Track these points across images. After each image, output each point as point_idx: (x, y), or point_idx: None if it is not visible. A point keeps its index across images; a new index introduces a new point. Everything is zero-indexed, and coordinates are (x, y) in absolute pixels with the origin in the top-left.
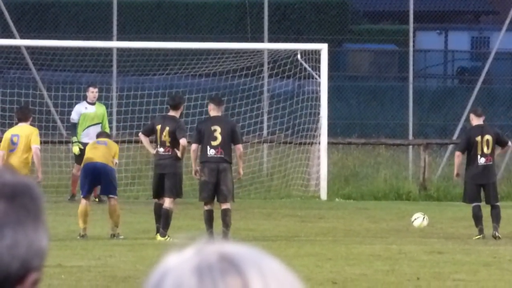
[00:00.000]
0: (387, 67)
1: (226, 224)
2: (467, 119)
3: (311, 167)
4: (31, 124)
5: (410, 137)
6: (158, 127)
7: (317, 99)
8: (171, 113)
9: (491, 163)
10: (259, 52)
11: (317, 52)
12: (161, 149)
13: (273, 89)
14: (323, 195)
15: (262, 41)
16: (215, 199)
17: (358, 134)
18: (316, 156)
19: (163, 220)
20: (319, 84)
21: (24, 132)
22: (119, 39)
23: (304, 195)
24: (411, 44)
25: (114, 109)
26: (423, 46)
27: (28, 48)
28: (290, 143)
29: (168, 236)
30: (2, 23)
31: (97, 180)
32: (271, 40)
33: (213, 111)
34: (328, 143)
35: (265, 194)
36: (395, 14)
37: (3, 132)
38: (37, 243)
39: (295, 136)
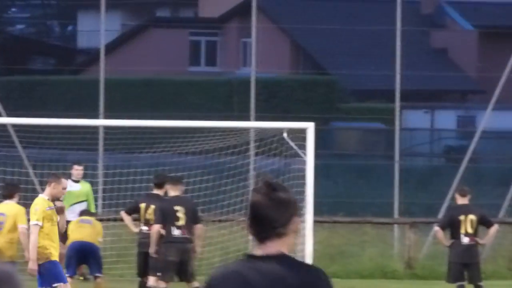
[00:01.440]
0: (374, 145)
1: None
2: (453, 198)
3: (296, 245)
4: (18, 202)
5: (396, 215)
6: (142, 205)
7: (303, 177)
8: (156, 191)
9: (474, 243)
10: (246, 130)
11: (303, 131)
12: (144, 228)
13: (260, 167)
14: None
15: (249, 119)
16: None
17: (345, 213)
18: (301, 234)
19: None
20: (305, 163)
21: (11, 212)
22: (106, 117)
23: None
24: (397, 122)
25: (100, 187)
26: (409, 124)
27: (14, 126)
28: None
29: None
30: None
31: (84, 259)
32: (258, 118)
33: (172, 190)
34: (314, 221)
35: None
36: (382, 93)
37: None
38: None
39: None
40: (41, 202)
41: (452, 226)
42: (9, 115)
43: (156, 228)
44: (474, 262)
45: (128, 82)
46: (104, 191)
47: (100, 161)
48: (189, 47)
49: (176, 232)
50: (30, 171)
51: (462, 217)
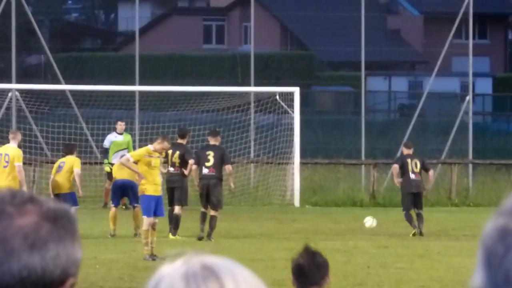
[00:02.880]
0: (345, 104)
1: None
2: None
3: (287, 181)
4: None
5: (363, 158)
6: (170, 151)
7: (291, 129)
8: (179, 141)
9: (419, 178)
10: (247, 93)
11: (291, 94)
12: (171, 169)
13: (258, 122)
14: (296, 203)
15: (249, 85)
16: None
17: (323, 156)
18: (291, 173)
19: (173, 222)
20: (293, 118)
21: (69, 160)
22: (140, 84)
23: (282, 203)
24: (363, 86)
25: (137, 138)
26: (372, 88)
27: (71, 91)
28: (271, 163)
29: (178, 235)
30: (51, 72)
31: (124, 193)
32: (256, 84)
33: (211, 140)
34: (300, 163)
35: (252, 202)
36: (350, 64)
37: (57, 158)
38: (73, 255)
39: (275, 157)
40: (144, 148)
41: (402, 166)
42: (67, 83)
43: (193, 167)
44: (419, 192)
45: (156, 57)
46: (140, 140)
47: (136, 117)
48: (202, 29)
49: (205, 170)
50: (84, 125)
51: (409, 160)
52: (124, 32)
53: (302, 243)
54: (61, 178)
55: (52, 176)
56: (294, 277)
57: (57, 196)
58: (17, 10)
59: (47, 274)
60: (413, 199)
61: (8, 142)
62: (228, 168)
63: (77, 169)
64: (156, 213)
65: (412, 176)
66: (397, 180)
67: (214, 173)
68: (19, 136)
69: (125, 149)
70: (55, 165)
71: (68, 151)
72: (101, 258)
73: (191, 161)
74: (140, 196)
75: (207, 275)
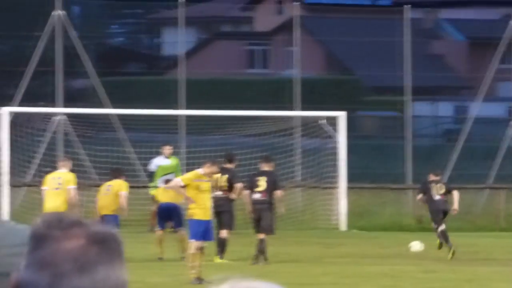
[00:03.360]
0: (390, 129)
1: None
2: (453, 169)
3: (333, 205)
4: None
5: (409, 182)
6: (218, 176)
7: (336, 154)
8: (227, 165)
9: (444, 199)
10: (292, 118)
11: (336, 118)
12: (219, 193)
13: (303, 146)
14: (343, 227)
15: (294, 109)
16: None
17: (370, 180)
18: (337, 197)
19: (220, 246)
20: (337, 142)
21: (116, 183)
22: (186, 108)
23: (328, 227)
24: (409, 111)
25: (184, 162)
26: (417, 113)
27: (116, 115)
28: (317, 187)
29: (224, 259)
30: (97, 96)
31: (169, 216)
32: (302, 108)
33: (264, 166)
34: (346, 187)
35: (298, 226)
36: (394, 89)
37: (103, 181)
38: (121, 277)
39: (321, 182)
40: (194, 172)
41: (425, 193)
42: (112, 107)
43: (244, 192)
44: (445, 210)
45: (200, 81)
46: (186, 164)
47: (183, 141)
48: (246, 54)
49: (257, 195)
50: (129, 149)
51: (433, 185)
52: (169, 57)
53: (349, 268)
54: (107, 200)
55: (97, 198)
56: None
57: (102, 217)
58: (62, 35)
59: None
60: (442, 217)
61: (55, 168)
62: (279, 193)
63: (124, 192)
64: (205, 237)
65: (436, 197)
66: (420, 201)
67: (265, 198)
68: (69, 164)
69: (171, 173)
70: (102, 188)
71: (115, 175)
72: (148, 282)
73: (239, 185)
74: (188, 220)
75: None
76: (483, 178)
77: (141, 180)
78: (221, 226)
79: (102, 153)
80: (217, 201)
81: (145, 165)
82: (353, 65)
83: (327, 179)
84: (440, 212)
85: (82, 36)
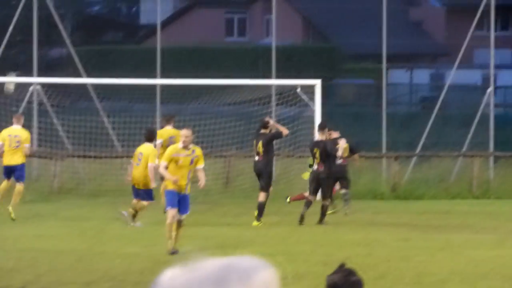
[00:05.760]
0: (366, 97)
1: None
2: (428, 136)
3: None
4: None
5: (384, 150)
6: (254, 142)
7: (313, 122)
8: (262, 131)
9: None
10: (269, 86)
11: (312, 86)
12: (256, 157)
13: (279, 115)
14: (318, 195)
15: (271, 78)
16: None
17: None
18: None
19: (258, 209)
20: (314, 111)
21: (147, 151)
22: (162, 77)
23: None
24: (384, 79)
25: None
26: (394, 80)
27: (92, 85)
28: (292, 156)
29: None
30: (73, 66)
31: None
32: (278, 77)
33: (319, 135)
34: None
35: (273, 195)
36: (372, 56)
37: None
38: None
39: (296, 150)
40: (173, 146)
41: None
42: (88, 76)
43: None
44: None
45: (178, 50)
46: None
47: (157, 111)
48: (224, 22)
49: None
50: (105, 119)
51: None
52: (146, 25)
53: (324, 237)
54: (139, 172)
55: (131, 165)
56: None
57: (134, 189)
58: (38, 3)
59: None
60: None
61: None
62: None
63: (151, 163)
64: (180, 209)
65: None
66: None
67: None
68: (22, 119)
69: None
70: (136, 154)
71: (148, 137)
72: (122, 252)
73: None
74: (165, 190)
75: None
76: (458, 146)
77: (116, 150)
78: (260, 189)
79: (77, 123)
80: (255, 165)
81: (121, 135)
82: (330, 32)
83: (302, 148)
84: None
85: (58, 5)
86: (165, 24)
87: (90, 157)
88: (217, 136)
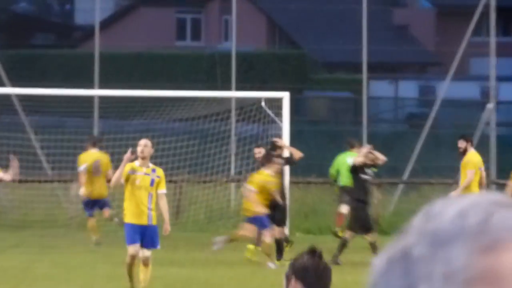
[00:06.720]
0: (343, 112)
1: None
2: (417, 160)
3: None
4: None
5: None
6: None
7: None
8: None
9: None
10: (227, 99)
11: (279, 100)
12: None
13: (240, 133)
14: (285, 230)
15: (230, 89)
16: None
17: (317, 174)
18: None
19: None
20: (281, 129)
21: (103, 159)
22: (100, 87)
23: None
24: (364, 91)
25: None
26: (375, 93)
27: (17, 95)
28: None
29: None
30: None
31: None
32: (238, 88)
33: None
34: (290, 182)
35: (232, 228)
36: (349, 65)
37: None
38: None
39: None
40: (130, 164)
41: None
42: (13, 86)
43: None
44: None
45: (120, 56)
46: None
47: (95, 127)
48: (175, 23)
49: None
50: (32, 136)
51: None
52: (83, 26)
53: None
54: (100, 183)
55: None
56: (300, 279)
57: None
58: None
59: None
60: None
61: None
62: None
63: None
64: (143, 244)
65: None
66: None
67: None
68: None
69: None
70: (89, 163)
71: (93, 143)
72: None
73: None
74: (124, 224)
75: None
76: (453, 172)
77: (45, 173)
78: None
79: (0, 140)
80: None
81: (51, 155)
82: (300, 37)
83: None
84: None
85: None
86: (105, 25)
87: (14, 181)
88: (166, 158)
